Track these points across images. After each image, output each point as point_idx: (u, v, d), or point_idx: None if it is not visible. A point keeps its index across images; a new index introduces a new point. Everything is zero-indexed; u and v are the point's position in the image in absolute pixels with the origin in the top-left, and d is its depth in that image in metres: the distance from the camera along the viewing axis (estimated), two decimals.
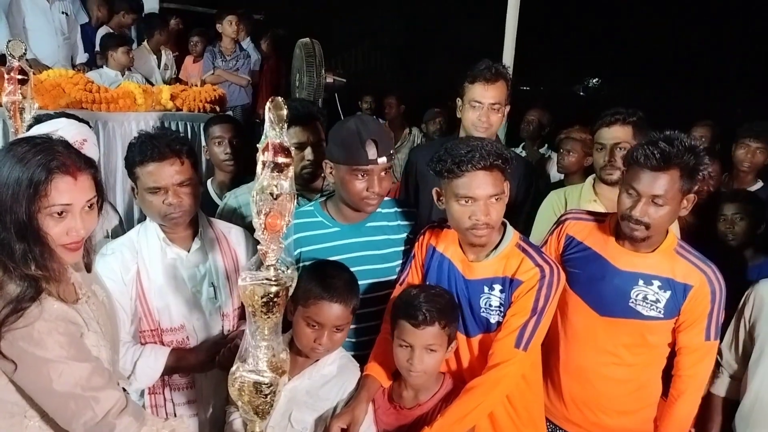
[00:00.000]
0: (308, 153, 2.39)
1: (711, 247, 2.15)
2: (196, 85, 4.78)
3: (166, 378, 2.05)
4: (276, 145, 1.44)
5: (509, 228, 1.93)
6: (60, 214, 1.43)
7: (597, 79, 11.09)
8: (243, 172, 2.98)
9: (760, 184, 3.38)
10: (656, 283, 1.90)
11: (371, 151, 1.94)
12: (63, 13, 5.18)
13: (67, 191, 1.43)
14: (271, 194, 1.45)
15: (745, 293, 2.05)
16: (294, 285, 1.57)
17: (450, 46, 8.62)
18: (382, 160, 1.95)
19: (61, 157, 1.42)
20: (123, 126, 3.60)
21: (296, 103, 2.51)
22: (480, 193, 1.78)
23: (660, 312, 1.90)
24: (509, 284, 1.86)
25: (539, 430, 2.03)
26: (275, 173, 1.45)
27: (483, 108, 2.48)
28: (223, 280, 2.11)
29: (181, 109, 3.91)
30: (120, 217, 2.68)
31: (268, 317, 1.55)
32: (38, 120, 2.40)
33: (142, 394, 2.08)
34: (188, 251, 2.09)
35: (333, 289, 1.79)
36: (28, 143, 1.43)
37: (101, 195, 1.52)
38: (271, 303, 1.52)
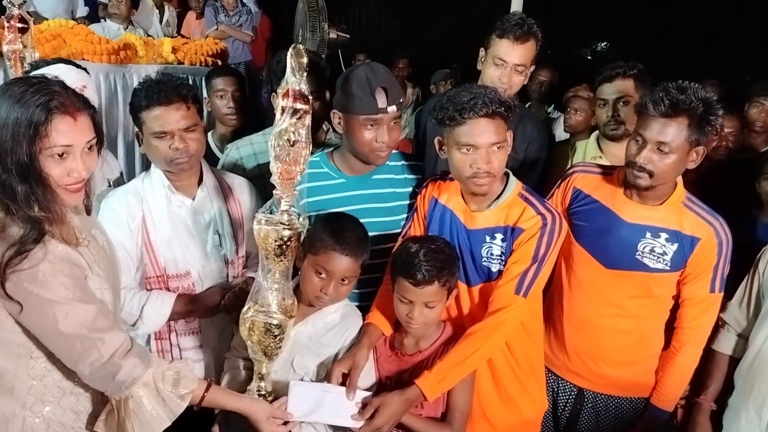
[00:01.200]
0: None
1: (727, 205, 2.13)
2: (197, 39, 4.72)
3: (172, 324, 2.07)
4: (296, 92, 1.46)
5: (512, 178, 1.92)
6: (61, 155, 1.41)
7: (605, 42, 10.90)
8: (244, 125, 2.95)
9: None
10: (663, 235, 1.89)
11: (381, 100, 1.90)
12: None
13: (68, 132, 1.41)
14: (288, 140, 1.47)
15: (763, 249, 2.03)
16: (305, 232, 1.59)
17: (457, 7, 8.46)
18: (392, 108, 1.92)
19: (60, 98, 1.40)
20: (124, 78, 3.55)
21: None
22: (481, 141, 1.76)
23: (667, 264, 1.90)
24: (511, 233, 1.85)
25: (539, 379, 2.04)
26: (294, 119, 1.47)
27: (507, 67, 2.35)
28: (227, 228, 2.12)
29: (183, 63, 3.85)
30: (121, 168, 2.67)
31: (281, 260, 1.58)
32: (35, 67, 2.36)
33: (148, 340, 2.11)
34: (193, 199, 2.10)
35: (345, 241, 1.79)
36: (25, 83, 1.41)
37: (100, 136, 1.50)
38: (284, 246, 1.56)
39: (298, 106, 1.46)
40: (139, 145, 2.05)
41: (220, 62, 3.99)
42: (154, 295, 1.98)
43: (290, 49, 1.44)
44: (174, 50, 3.79)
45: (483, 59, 2.45)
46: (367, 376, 1.85)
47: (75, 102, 1.43)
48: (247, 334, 1.66)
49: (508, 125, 1.82)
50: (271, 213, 1.55)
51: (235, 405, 1.68)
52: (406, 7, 9.22)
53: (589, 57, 11.38)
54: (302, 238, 1.59)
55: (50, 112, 1.38)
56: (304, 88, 1.44)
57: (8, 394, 1.49)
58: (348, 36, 4.95)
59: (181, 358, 2.12)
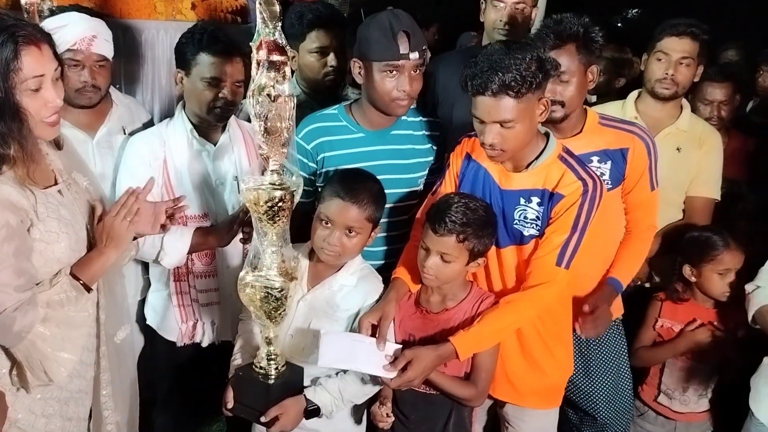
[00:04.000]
0: (331, 59, 2.32)
1: None
2: None
3: (190, 265, 2.13)
4: (270, 43, 1.41)
5: (552, 138, 1.85)
6: (35, 90, 1.42)
7: (636, 10, 10.57)
8: None
9: None
10: (595, 159, 2.05)
11: (403, 45, 1.85)
12: None
13: (37, 62, 1.43)
14: (269, 96, 1.41)
15: None
16: (300, 191, 1.55)
17: None
18: (414, 55, 1.87)
19: (22, 30, 1.41)
20: (143, 34, 3.51)
21: (318, 5, 2.42)
22: (487, 118, 1.71)
23: (608, 183, 2.03)
24: (549, 198, 1.80)
25: (565, 344, 2.02)
26: (271, 73, 1.41)
27: (507, 7, 2.41)
28: (247, 173, 2.17)
29: (203, 19, 3.78)
30: (150, 116, 2.67)
31: (274, 223, 1.53)
32: (52, 13, 2.34)
33: (167, 283, 2.21)
34: (215, 145, 2.16)
35: (350, 190, 1.76)
36: None
37: (61, 64, 1.53)
38: (276, 208, 1.51)
39: (275, 57, 1.41)
40: (176, 84, 2.13)
41: (239, 19, 3.91)
42: (174, 229, 2.00)
43: None
44: (193, 6, 3.72)
45: (484, 7, 2.49)
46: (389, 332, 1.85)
47: (35, 32, 1.45)
48: (248, 300, 1.63)
49: (533, 93, 1.72)
50: (262, 173, 1.53)
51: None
52: None
53: (619, 24, 11.11)
54: (296, 197, 1.54)
55: (17, 45, 1.38)
56: (279, 37, 1.40)
57: None
58: None
59: (198, 301, 2.19)
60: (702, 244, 2.35)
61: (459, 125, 2.13)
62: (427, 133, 2.14)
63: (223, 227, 2.10)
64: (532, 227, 1.84)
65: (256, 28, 1.40)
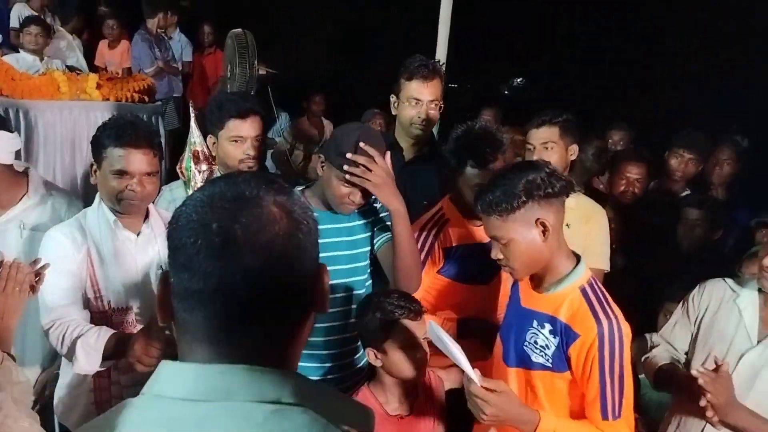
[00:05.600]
0: (247, 147, 2.39)
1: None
2: (118, 74, 4.62)
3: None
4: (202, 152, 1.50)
5: (582, 265, 1.76)
6: None
7: (521, 79, 11.45)
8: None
9: (687, 192, 3.53)
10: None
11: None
12: None
13: None
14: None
15: (698, 285, 2.17)
16: None
17: (384, 42, 8.65)
18: None
19: None
20: (45, 114, 3.45)
21: (236, 97, 2.50)
22: (487, 234, 1.78)
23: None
24: (563, 331, 1.69)
25: None
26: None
27: (422, 105, 2.53)
28: None
29: (108, 99, 3.77)
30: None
31: None
32: None
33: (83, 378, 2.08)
34: (137, 235, 2.15)
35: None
36: None
37: None
38: None
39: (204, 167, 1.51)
40: (91, 175, 2.11)
41: (147, 99, 3.92)
42: (91, 331, 1.94)
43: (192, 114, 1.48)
44: (99, 86, 3.70)
45: (396, 104, 2.61)
46: None
47: None
48: None
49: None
50: None
51: None
52: (335, 39, 9.34)
53: (506, 92, 11.95)
54: None
55: None
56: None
57: None
58: (276, 72, 5.00)
59: (122, 397, 2.08)
60: None
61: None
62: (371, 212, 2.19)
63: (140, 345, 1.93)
64: (541, 356, 1.73)
65: (190, 138, 1.48)
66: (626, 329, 1.67)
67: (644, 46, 8.56)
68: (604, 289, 1.74)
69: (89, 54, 5.75)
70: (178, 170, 1.54)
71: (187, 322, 0.80)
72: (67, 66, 4.94)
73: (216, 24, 5.98)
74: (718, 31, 7.57)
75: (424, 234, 2.25)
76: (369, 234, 2.19)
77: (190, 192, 1.54)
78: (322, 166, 2.04)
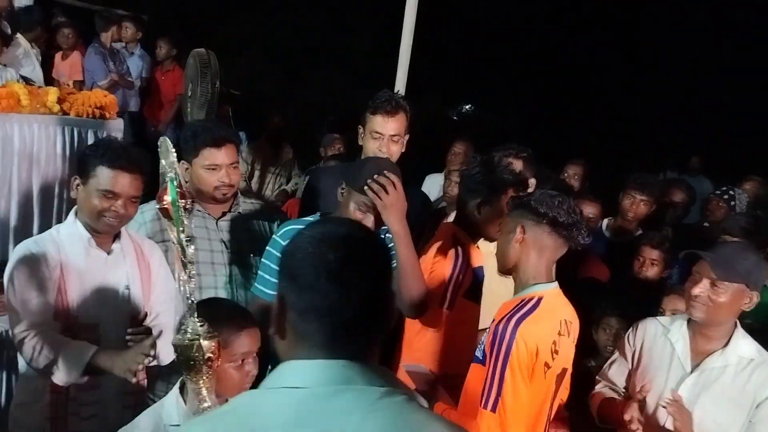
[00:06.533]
0: (222, 174, 2.46)
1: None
2: (67, 85, 4.56)
3: None
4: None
5: (550, 285, 2.02)
6: None
7: (470, 105, 11.77)
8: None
9: (639, 231, 3.71)
10: None
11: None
12: None
13: None
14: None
15: (632, 326, 2.37)
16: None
17: (340, 60, 8.76)
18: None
19: None
20: (4, 127, 3.39)
21: (212, 125, 2.57)
22: None
23: None
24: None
25: None
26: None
27: (384, 139, 2.65)
28: (137, 284, 2.25)
29: (68, 113, 3.73)
30: None
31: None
32: None
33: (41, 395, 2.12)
34: (108, 253, 2.21)
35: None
36: None
37: None
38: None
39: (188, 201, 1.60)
40: (72, 190, 2.17)
41: (108, 114, 3.90)
42: (73, 343, 2.02)
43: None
44: (60, 100, 3.66)
45: (362, 135, 2.75)
46: None
47: None
48: None
49: None
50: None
51: None
52: (289, 57, 9.41)
53: (454, 117, 12.29)
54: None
55: None
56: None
57: None
58: (239, 93, 5.04)
59: (78, 414, 2.12)
60: None
61: None
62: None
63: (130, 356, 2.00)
64: (479, 351, 2.00)
65: (168, 170, 1.56)
66: (525, 342, 1.87)
67: (598, 83, 8.98)
68: (541, 310, 1.94)
69: (46, 65, 5.65)
70: (161, 206, 1.61)
71: (307, 332, 1.05)
72: (21, 76, 4.85)
73: (175, 40, 5.97)
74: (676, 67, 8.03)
75: (459, 260, 2.36)
76: None
77: (175, 230, 1.60)
78: (342, 192, 2.25)
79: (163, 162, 1.61)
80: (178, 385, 1.83)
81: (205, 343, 1.56)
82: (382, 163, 2.25)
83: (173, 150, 1.62)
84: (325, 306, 1.03)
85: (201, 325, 1.58)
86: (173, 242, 1.61)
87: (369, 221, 2.17)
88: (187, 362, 1.57)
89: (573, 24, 9.08)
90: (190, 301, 1.60)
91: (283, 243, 2.20)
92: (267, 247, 2.36)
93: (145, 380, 2.32)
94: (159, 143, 1.64)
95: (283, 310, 1.08)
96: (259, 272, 2.36)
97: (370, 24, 8.85)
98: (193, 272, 1.62)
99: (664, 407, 2.07)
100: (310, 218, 2.32)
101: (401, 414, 0.99)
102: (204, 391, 1.58)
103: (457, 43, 9.56)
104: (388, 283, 1.10)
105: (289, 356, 1.07)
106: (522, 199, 2.06)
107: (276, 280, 2.08)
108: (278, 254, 2.18)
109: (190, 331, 1.57)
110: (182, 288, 1.61)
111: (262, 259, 2.36)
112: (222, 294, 2.46)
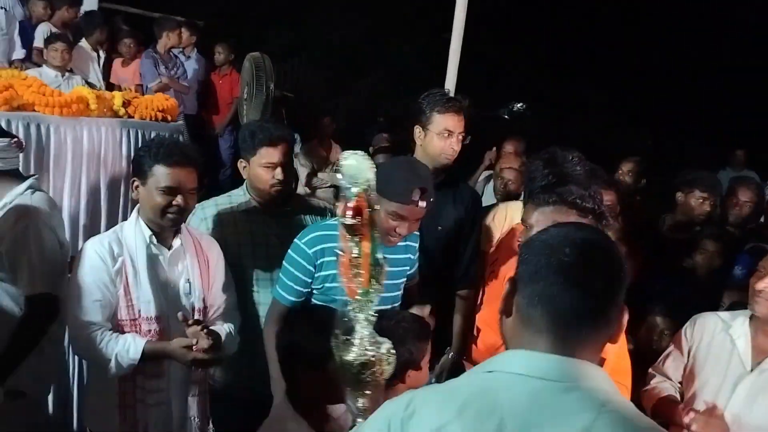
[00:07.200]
0: (278, 173, 2.55)
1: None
2: (130, 90, 4.75)
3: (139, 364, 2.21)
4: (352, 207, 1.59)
5: None
6: None
7: (521, 103, 11.64)
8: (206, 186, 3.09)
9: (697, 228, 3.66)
10: None
11: (415, 195, 2.12)
12: (1, 8, 5.05)
13: None
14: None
15: (690, 320, 2.35)
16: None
17: (387, 65, 8.82)
18: (423, 205, 2.15)
19: None
20: (75, 130, 3.57)
21: (269, 125, 2.67)
22: None
23: None
24: None
25: None
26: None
27: (453, 137, 2.69)
28: (197, 278, 2.35)
29: (133, 117, 3.90)
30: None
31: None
32: None
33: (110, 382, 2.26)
34: (169, 249, 2.33)
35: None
36: None
37: None
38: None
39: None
40: (132, 191, 2.31)
41: (170, 118, 4.06)
42: (128, 338, 2.17)
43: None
44: (125, 104, 3.83)
45: (420, 136, 2.74)
46: None
47: None
48: None
49: None
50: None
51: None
52: (334, 64, 9.53)
53: (505, 116, 12.15)
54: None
55: None
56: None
57: None
58: (292, 95, 5.16)
59: (144, 401, 2.25)
60: None
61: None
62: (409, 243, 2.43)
63: (180, 355, 2.19)
64: None
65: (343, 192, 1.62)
66: None
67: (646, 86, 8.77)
68: None
69: (105, 69, 5.91)
70: (345, 222, 1.61)
71: (532, 317, 1.11)
72: (87, 82, 5.10)
73: (232, 45, 6.16)
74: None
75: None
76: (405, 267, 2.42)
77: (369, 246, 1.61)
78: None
79: (342, 177, 1.65)
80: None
81: (387, 368, 1.59)
82: (422, 176, 2.19)
83: (373, 166, 1.64)
84: (550, 295, 1.08)
85: (381, 346, 1.57)
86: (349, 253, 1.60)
87: (403, 229, 2.17)
88: (355, 378, 1.56)
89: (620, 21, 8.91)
90: (370, 319, 1.58)
91: (307, 249, 2.29)
92: (290, 252, 2.33)
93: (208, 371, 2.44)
94: (346, 163, 1.67)
95: (513, 292, 1.14)
96: (281, 276, 2.34)
97: (414, 30, 8.89)
98: (381, 290, 1.61)
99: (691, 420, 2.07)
100: (332, 222, 2.29)
101: (630, 421, 1.02)
102: (363, 402, 1.58)
103: (502, 43, 9.49)
104: (615, 290, 1.11)
105: (512, 336, 1.14)
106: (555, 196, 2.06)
107: (299, 288, 2.19)
108: (301, 260, 2.26)
109: (370, 349, 1.55)
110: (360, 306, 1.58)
111: (284, 263, 2.34)
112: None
